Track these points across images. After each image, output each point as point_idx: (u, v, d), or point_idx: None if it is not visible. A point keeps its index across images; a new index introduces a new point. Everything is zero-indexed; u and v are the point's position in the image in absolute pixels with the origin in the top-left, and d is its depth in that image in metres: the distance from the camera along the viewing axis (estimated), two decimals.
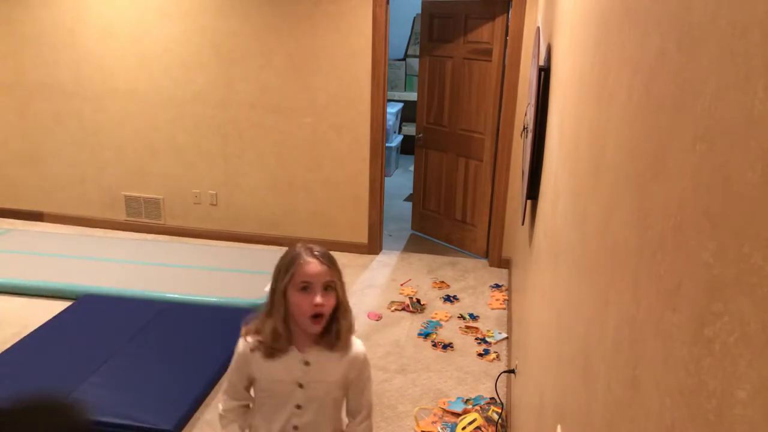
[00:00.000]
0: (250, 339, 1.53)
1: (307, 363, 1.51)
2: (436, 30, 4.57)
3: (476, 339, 3.49)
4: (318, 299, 1.42)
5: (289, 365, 1.51)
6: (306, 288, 1.43)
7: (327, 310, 1.45)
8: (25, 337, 3.21)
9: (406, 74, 7.39)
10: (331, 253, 1.52)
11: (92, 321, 3.43)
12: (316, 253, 1.46)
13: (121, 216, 5.01)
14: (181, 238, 4.88)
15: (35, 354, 3.08)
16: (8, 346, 3.14)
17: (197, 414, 2.77)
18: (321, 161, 4.54)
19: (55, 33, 4.63)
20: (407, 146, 7.39)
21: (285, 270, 1.45)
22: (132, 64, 4.59)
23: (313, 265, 1.43)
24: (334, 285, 1.46)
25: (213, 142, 4.66)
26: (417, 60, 6.39)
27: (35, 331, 3.27)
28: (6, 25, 4.69)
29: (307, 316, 1.43)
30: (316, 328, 1.45)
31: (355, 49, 4.24)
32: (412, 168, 5.52)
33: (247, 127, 4.58)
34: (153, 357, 3.09)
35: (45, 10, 4.59)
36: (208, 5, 4.36)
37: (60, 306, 3.60)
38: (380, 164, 4.47)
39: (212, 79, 4.51)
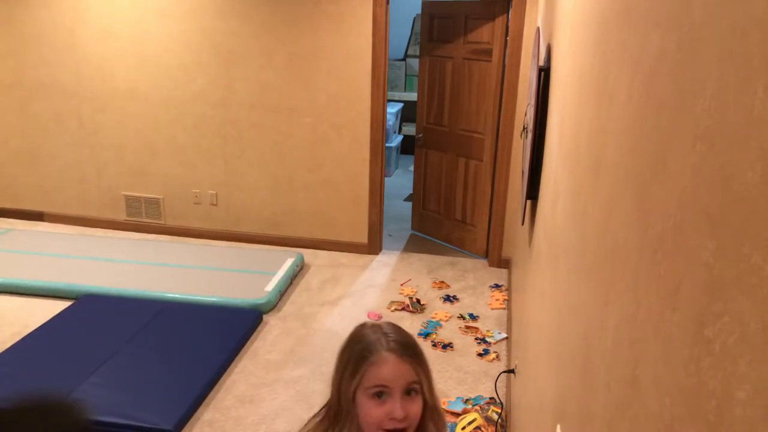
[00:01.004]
0: None
1: None
2: (436, 30, 4.57)
3: (476, 339, 3.49)
4: (398, 411, 1.04)
5: None
6: (380, 394, 1.05)
7: (411, 423, 1.07)
8: (25, 337, 3.21)
9: (406, 74, 7.39)
10: (410, 337, 1.13)
11: (92, 321, 3.43)
12: (392, 344, 1.08)
13: (122, 216, 5.01)
14: (181, 237, 4.88)
15: (35, 354, 3.08)
16: (8, 346, 3.14)
17: (197, 414, 2.77)
18: (321, 161, 4.54)
19: (55, 33, 4.63)
20: (407, 146, 7.39)
21: (352, 369, 1.08)
22: (132, 64, 4.59)
23: (390, 365, 1.06)
24: (419, 386, 1.08)
25: (213, 142, 4.66)
26: (417, 60, 6.39)
27: (35, 331, 3.27)
28: (6, 25, 4.69)
29: (378, 429, 1.06)
30: None
31: (355, 49, 4.24)
32: (412, 168, 5.52)
33: (247, 127, 4.57)
34: (153, 357, 3.09)
35: (45, 10, 4.59)
36: (208, 5, 4.35)
37: (60, 306, 3.60)
38: (380, 164, 4.47)
39: (212, 79, 4.51)
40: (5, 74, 4.82)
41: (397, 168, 7.29)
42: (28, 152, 5.01)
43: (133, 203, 4.95)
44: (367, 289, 4.09)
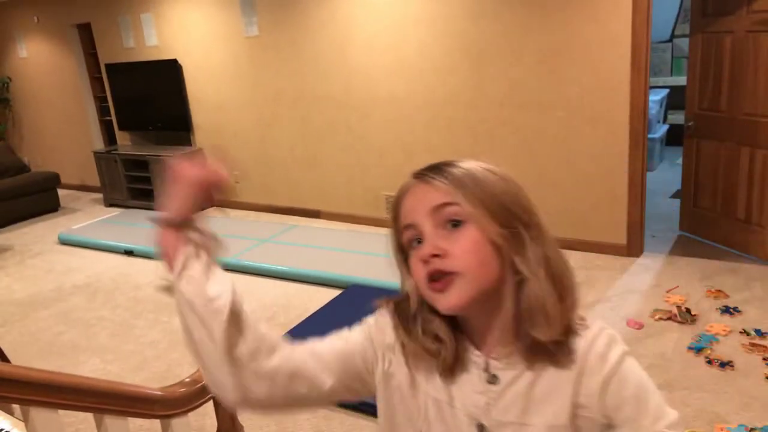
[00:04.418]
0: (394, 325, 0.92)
1: (492, 379, 0.80)
2: (711, 2, 4.00)
3: (764, 359, 2.97)
4: (426, 247, 0.76)
5: (459, 382, 0.81)
6: (419, 239, 0.79)
7: (456, 264, 0.74)
8: (305, 319, 3.69)
9: (672, 56, 6.66)
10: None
11: (358, 309, 3.76)
12: (425, 170, 0.83)
13: (382, 214, 5.44)
14: None
15: (314, 334, 3.50)
16: (293, 325, 3.64)
17: None
18: (573, 156, 4.33)
19: (329, 51, 5.23)
20: (674, 136, 6.64)
21: (391, 220, 0.87)
22: (390, 71, 4.95)
23: (411, 193, 0.83)
24: (462, 214, 0.76)
25: (464, 142, 4.77)
26: (686, 40, 5.70)
27: (313, 314, 3.74)
28: (293, 47, 5.44)
29: (425, 284, 0.78)
30: (442, 302, 0.76)
31: (612, 35, 3.95)
32: (679, 161, 4.93)
33: (496, 126, 4.59)
34: None
35: (322, 32, 5.21)
36: (460, 9, 4.47)
37: (332, 293, 4.04)
38: (641, 157, 4.09)
39: (462, 81, 4.62)
40: (292, 90, 5.60)
41: (661, 161, 6.61)
42: (308, 157, 5.74)
43: (391, 202, 5.33)
44: (626, 294, 3.78)
